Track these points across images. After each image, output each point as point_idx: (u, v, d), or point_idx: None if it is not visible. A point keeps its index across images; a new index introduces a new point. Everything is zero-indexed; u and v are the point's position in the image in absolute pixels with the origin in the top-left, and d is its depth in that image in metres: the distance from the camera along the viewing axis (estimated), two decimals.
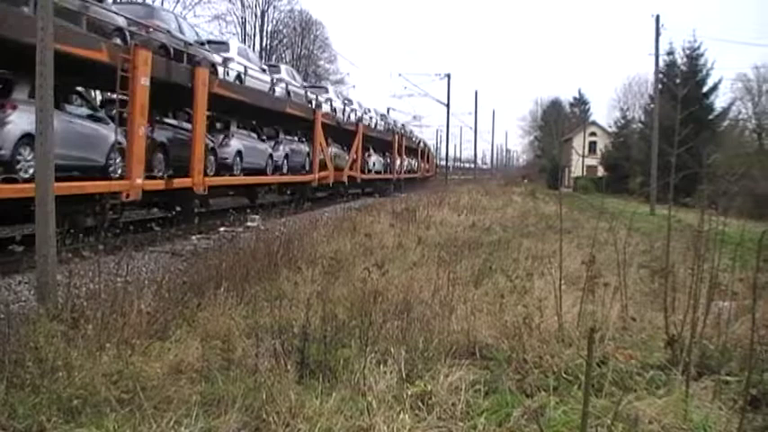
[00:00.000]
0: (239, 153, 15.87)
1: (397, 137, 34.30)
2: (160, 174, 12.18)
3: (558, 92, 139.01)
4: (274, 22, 47.06)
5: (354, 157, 26.32)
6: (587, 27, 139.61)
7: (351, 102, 29.48)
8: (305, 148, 21.28)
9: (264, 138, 18.21)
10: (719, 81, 36.26)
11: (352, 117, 26.92)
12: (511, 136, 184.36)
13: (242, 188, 17.63)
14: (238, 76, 16.03)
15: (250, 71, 16.72)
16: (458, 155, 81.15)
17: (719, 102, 37.63)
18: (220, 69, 14.92)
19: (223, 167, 15.08)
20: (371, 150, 30.71)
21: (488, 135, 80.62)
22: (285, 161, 19.33)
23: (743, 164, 23.75)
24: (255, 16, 45.41)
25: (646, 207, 21.64)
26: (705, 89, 35.81)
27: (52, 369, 3.64)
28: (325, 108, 22.61)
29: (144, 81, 10.85)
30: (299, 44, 49.35)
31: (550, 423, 3.22)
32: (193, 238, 11.74)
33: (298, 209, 15.73)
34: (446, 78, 44.39)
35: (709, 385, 3.61)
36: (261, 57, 36.30)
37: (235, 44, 19.02)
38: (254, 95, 16.45)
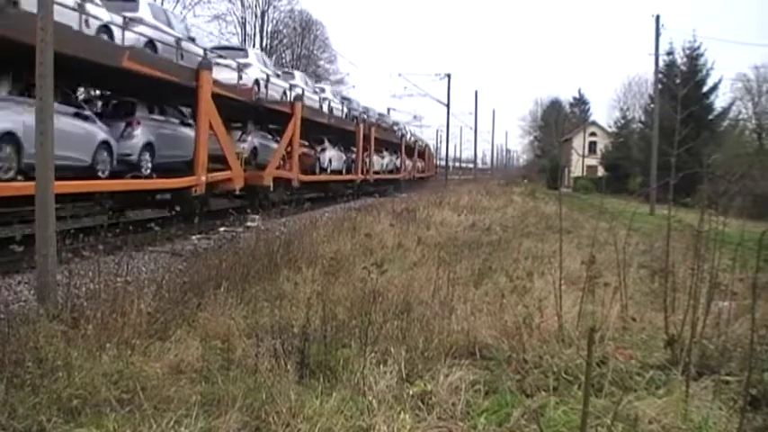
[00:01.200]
0: (9, 138, 8.54)
1: (362, 126, 27.04)
2: None
3: (558, 92, 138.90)
4: (274, 22, 47.07)
5: (287, 150, 18.74)
6: (587, 27, 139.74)
7: (291, 74, 22.13)
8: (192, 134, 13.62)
9: (88, 113, 10.74)
10: (719, 81, 36.43)
11: (291, 96, 19.21)
12: (511, 136, 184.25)
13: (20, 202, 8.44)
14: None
15: None
16: (458, 155, 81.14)
17: (719, 102, 37.84)
18: None
19: None
20: (327, 143, 23.60)
21: (488, 135, 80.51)
22: (147, 155, 12.14)
23: (743, 164, 23.77)
24: (255, 16, 45.41)
25: (646, 207, 21.65)
26: (705, 89, 35.89)
27: (52, 369, 3.64)
28: (225, 75, 14.71)
29: None
30: (299, 44, 49.34)
31: (550, 423, 3.22)
32: (193, 238, 11.74)
33: (298, 209, 15.61)
34: (446, 78, 44.44)
35: (710, 385, 3.61)
36: None
37: None
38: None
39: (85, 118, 10.55)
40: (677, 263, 5.64)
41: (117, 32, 11.08)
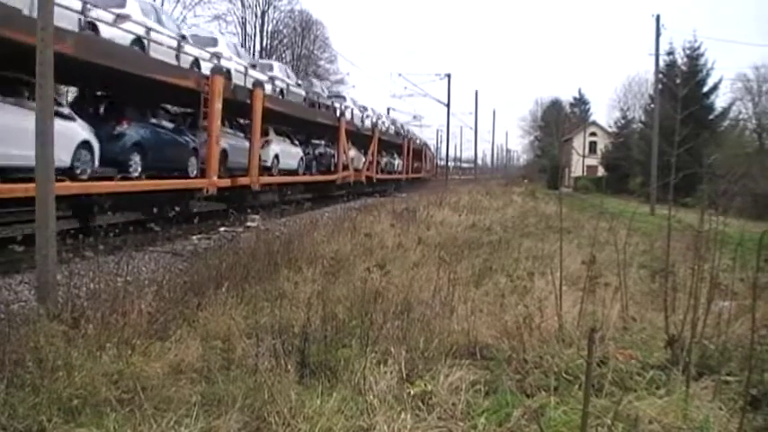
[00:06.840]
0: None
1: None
2: None
3: (558, 92, 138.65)
4: (274, 22, 47.10)
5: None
6: (587, 27, 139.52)
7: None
8: None
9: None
10: (719, 81, 36.30)
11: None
12: (511, 136, 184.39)
13: None
14: None
15: None
16: (458, 155, 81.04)
17: (720, 102, 37.70)
18: None
19: None
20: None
21: (489, 135, 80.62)
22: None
23: (743, 164, 23.78)
24: (255, 16, 45.46)
25: (646, 207, 21.63)
26: (705, 89, 35.80)
27: (52, 369, 3.64)
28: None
29: None
30: (299, 44, 49.35)
31: (550, 423, 3.22)
32: (193, 238, 11.74)
33: (298, 209, 15.56)
34: (446, 78, 44.32)
35: (710, 385, 3.61)
36: (261, 57, 36.20)
37: None
38: None
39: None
40: (677, 263, 5.64)
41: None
